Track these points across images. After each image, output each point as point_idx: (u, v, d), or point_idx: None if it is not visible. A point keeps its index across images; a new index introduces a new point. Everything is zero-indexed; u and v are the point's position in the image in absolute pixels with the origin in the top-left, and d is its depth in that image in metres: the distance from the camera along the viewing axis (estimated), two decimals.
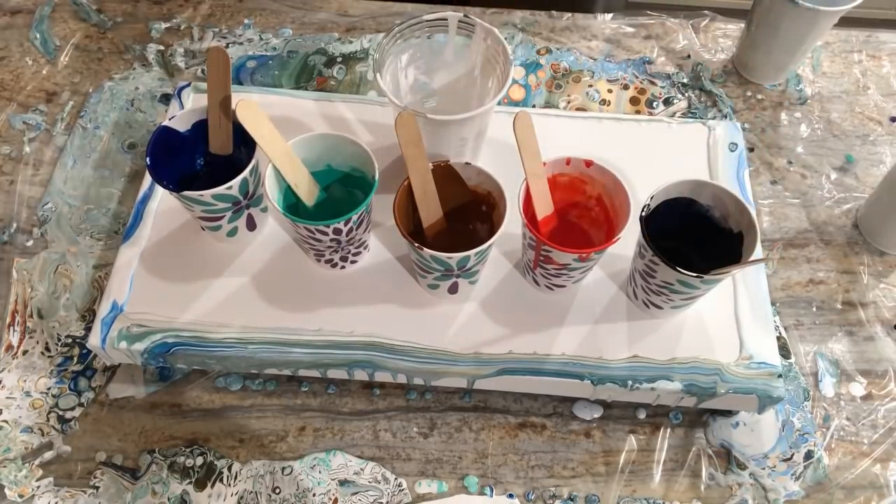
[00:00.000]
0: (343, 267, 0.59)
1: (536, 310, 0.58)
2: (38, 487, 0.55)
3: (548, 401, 0.60)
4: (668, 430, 0.58)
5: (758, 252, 0.51)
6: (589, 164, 0.54)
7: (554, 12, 0.82)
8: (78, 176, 0.70)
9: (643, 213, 0.52)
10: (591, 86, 0.77)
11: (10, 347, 0.61)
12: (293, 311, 0.58)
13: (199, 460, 0.56)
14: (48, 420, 0.58)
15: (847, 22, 0.71)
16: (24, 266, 0.65)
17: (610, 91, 0.76)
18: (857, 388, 0.60)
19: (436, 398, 0.59)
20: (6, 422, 0.58)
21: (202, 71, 0.77)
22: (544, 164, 0.53)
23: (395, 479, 0.56)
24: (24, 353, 0.61)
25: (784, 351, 0.62)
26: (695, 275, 0.49)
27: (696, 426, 0.59)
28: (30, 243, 0.66)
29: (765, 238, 0.67)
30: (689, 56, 0.80)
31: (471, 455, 0.57)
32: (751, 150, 0.73)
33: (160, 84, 0.76)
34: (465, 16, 0.59)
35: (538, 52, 0.79)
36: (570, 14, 0.82)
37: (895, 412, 0.59)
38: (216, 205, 0.54)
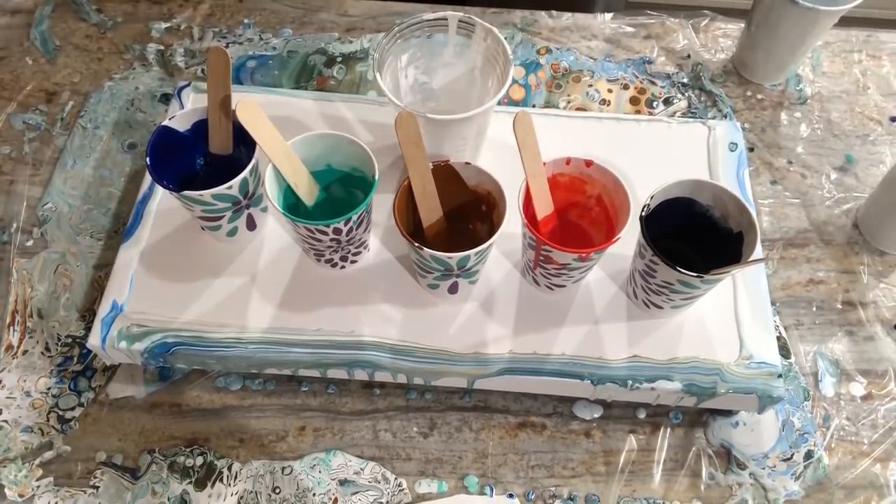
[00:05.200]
0: (343, 267, 0.59)
1: (536, 310, 0.58)
2: (38, 487, 0.55)
3: (548, 401, 0.60)
4: (668, 429, 0.58)
5: (758, 252, 0.51)
6: (589, 163, 0.54)
7: (554, 12, 0.82)
8: (78, 176, 0.70)
9: (643, 213, 0.52)
10: (591, 86, 0.77)
11: (10, 347, 0.61)
12: (293, 311, 0.58)
13: (199, 460, 0.56)
14: (48, 420, 0.58)
15: (847, 22, 0.71)
16: (24, 266, 0.65)
17: (610, 91, 0.76)
18: (857, 388, 0.60)
19: (436, 398, 0.59)
20: (6, 422, 0.58)
21: (202, 71, 0.77)
22: (544, 164, 0.53)
23: (395, 478, 0.56)
24: (24, 353, 0.61)
25: (784, 351, 0.62)
26: (695, 275, 0.49)
27: (696, 426, 0.59)
28: (30, 243, 0.66)
29: (765, 238, 0.67)
30: (689, 56, 0.80)
31: (471, 455, 0.57)
32: (751, 149, 0.73)
33: (160, 84, 0.76)
34: (466, 15, 0.59)
35: (538, 52, 0.79)
36: (570, 14, 0.82)
37: (895, 412, 0.59)
38: (216, 205, 0.54)
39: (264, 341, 0.56)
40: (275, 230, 0.62)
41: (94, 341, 0.56)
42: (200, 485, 0.55)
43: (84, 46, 0.79)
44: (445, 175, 0.54)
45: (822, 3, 0.67)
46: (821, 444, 0.58)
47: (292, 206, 0.55)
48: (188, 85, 0.69)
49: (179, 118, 0.56)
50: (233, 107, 0.54)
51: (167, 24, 0.80)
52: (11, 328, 0.62)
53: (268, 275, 0.59)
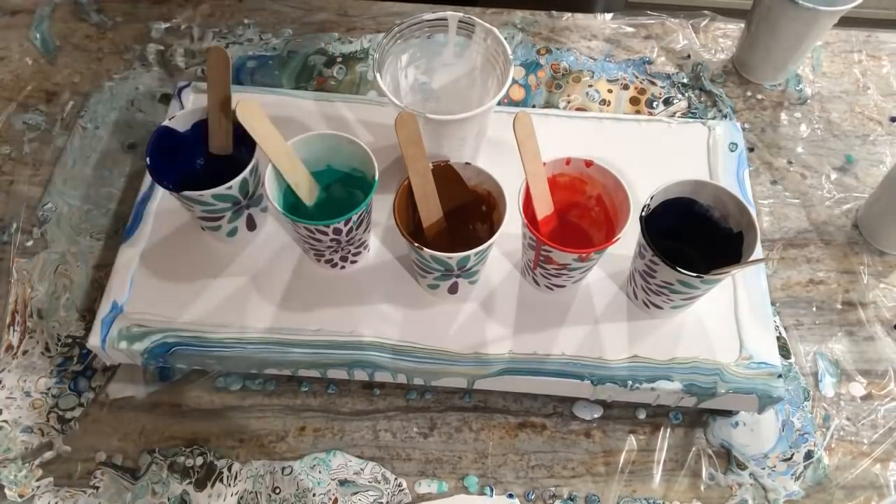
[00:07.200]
0: (343, 267, 0.59)
1: (536, 310, 0.58)
2: (38, 487, 0.55)
3: (548, 401, 0.60)
4: (668, 430, 0.58)
5: (758, 252, 0.51)
6: (589, 164, 0.54)
7: (554, 12, 0.82)
8: (78, 176, 0.70)
9: (643, 213, 0.52)
10: (591, 86, 0.77)
11: (10, 347, 0.61)
12: (293, 311, 0.58)
13: (199, 460, 0.56)
14: (48, 420, 0.58)
15: (847, 22, 0.71)
16: (24, 266, 0.65)
17: (610, 91, 0.76)
18: (857, 388, 0.60)
19: (436, 398, 0.59)
20: (6, 422, 0.58)
21: (202, 71, 0.77)
22: (544, 164, 0.53)
23: (395, 479, 0.56)
24: (24, 353, 0.61)
25: (784, 351, 0.62)
26: (695, 275, 0.49)
27: (696, 426, 0.59)
28: (30, 243, 0.66)
29: (765, 238, 0.67)
30: (689, 56, 0.80)
31: (471, 455, 0.57)
32: (751, 150, 0.73)
33: (160, 84, 0.76)
34: (466, 16, 0.59)
35: (538, 52, 0.79)
36: (570, 14, 0.82)
37: (895, 412, 0.59)
38: (216, 205, 0.54)
39: (264, 341, 0.56)
40: (275, 230, 0.62)
41: (94, 342, 0.56)
42: (200, 485, 0.55)
43: (84, 46, 0.79)
44: (445, 175, 0.54)
45: (822, 3, 0.67)
46: (821, 444, 0.58)
47: (292, 206, 0.55)
48: (188, 85, 0.69)
49: (179, 118, 0.56)
50: (233, 107, 0.54)
51: (167, 24, 0.80)
52: (11, 328, 0.62)
53: (268, 275, 0.59)
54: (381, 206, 0.62)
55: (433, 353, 0.56)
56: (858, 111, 0.76)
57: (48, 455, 0.56)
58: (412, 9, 0.82)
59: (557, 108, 0.75)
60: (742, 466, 0.57)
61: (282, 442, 0.57)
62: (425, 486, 0.56)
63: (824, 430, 0.59)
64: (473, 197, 0.56)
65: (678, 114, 0.75)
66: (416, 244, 0.50)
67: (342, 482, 0.56)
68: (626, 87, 0.77)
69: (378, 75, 0.56)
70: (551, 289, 0.58)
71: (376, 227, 0.61)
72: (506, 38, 0.59)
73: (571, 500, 0.56)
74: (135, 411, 0.58)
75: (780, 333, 0.63)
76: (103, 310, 0.57)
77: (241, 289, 0.58)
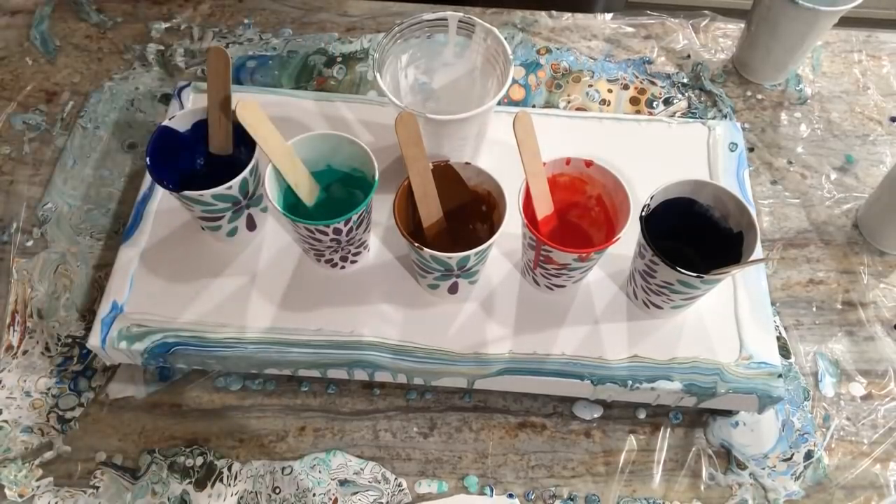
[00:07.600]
0: (343, 267, 0.59)
1: (536, 310, 0.58)
2: (38, 487, 0.55)
3: (548, 401, 0.60)
4: (668, 430, 0.58)
5: (758, 252, 0.51)
6: (589, 164, 0.54)
7: (554, 12, 0.82)
8: (78, 176, 0.70)
9: (643, 213, 0.52)
10: (591, 86, 0.77)
11: (10, 347, 0.61)
12: (293, 311, 0.58)
13: (199, 460, 0.56)
14: (48, 420, 0.58)
15: (847, 22, 0.71)
16: (24, 266, 0.65)
17: (610, 91, 0.76)
18: (857, 388, 0.60)
19: (436, 398, 0.59)
20: (6, 422, 0.58)
21: (202, 71, 0.77)
22: (544, 164, 0.53)
23: (395, 479, 0.56)
24: (24, 353, 0.61)
25: (784, 351, 0.62)
26: (695, 275, 0.49)
27: (696, 426, 0.59)
28: (30, 243, 0.66)
29: (765, 238, 0.67)
30: (689, 56, 0.80)
31: (471, 455, 0.57)
32: (751, 150, 0.73)
33: (160, 84, 0.76)
34: (466, 16, 0.59)
35: (538, 52, 0.79)
36: (570, 14, 0.82)
37: (895, 412, 0.59)
38: (216, 205, 0.54)
39: (264, 341, 0.56)
40: (275, 230, 0.62)
41: (94, 341, 0.56)
42: (200, 485, 0.55)
43: (84, 46, 0.79)
44: (445, 175, 0.54)
45: (822, 3, 0.67)
46: (821, 444, 0.58)
47: (292, 206, 0.55)
48: (188, 85, 0.69)
49: (179, 118, 0.56)
50: (233, 107, 0.54)
51: (167, 24, 0.80)
52: (11, 328, 0.62)
53: (268, 275, 0.59)
54: (381, 206, 0.62)
55: (433, 353, 0.56)
56: (858, 111, 0.76)
57: (48, 455, 0.56)
58: (412, 9, 0.82)
59: (557, 108, 0.75)
60: (742, 466, 0.57)
61: (282, 442, 0.57)
62: (425, 486, 0.56)
63: (824, 430, 0.59)
64: (473, 197, 0.56)
65: (678, 114, 0.75)
66: (416, 244, 0.50)
67: (342, 482, 0.56)
68: (626, 87, 0.77)
69: (378, 75, 0.56)
70: (551, 289, 0.58)
71: (376, 227, 0.61)
72: (506, 38, 0.59)
73: (571, 500, 0.56)
74: (135, 411, 0.58)
75: (780, 333, 0.63)
76: (103, 310, 0.57)
77: (241, 289, 0.58)
